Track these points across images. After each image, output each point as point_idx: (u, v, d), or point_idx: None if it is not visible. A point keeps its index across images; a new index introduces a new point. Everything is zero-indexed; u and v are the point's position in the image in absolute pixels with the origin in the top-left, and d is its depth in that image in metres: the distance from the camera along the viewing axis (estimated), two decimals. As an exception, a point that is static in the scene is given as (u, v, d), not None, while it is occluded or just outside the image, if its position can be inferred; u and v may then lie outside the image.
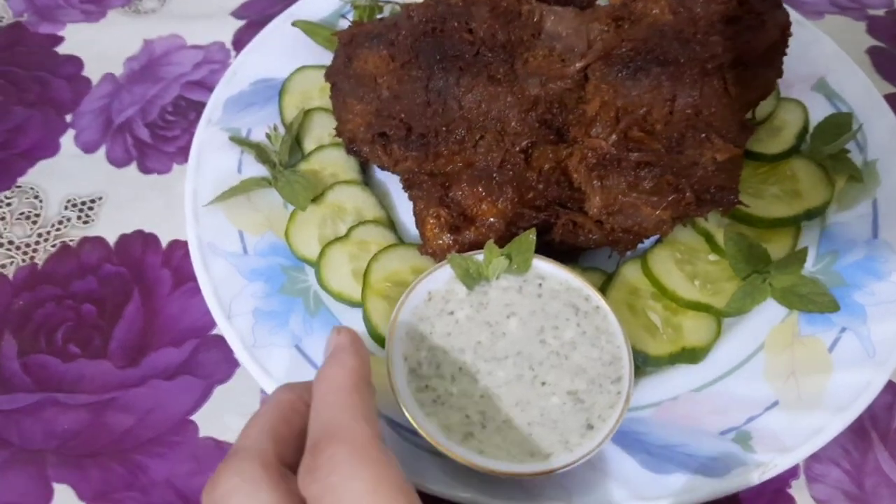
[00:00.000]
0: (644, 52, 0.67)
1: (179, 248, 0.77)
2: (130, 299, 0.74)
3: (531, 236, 0.63)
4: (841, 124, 0.76)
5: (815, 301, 0.67)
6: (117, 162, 0.84)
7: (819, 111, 0.78)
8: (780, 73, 0.73)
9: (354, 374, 0.50)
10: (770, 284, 0.68)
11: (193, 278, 0.70)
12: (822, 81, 0.81)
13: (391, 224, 0.75)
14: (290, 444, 0.48)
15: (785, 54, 0.72)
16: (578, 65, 0.69)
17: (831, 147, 0.75)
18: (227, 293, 0.68)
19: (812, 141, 0.77)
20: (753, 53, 0.69)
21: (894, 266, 0.69)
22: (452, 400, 0.58)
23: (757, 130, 0.77)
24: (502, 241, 0.68)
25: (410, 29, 0.71)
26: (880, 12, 0.93)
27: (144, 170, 0.83)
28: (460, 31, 0.70)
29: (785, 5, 0.71)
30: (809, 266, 0.70)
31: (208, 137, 0.78)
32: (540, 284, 0.63)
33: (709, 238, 0.71)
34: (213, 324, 0.71)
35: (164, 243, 0.78)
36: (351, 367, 0.51)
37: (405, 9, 0.73)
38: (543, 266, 0.63)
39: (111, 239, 0.79)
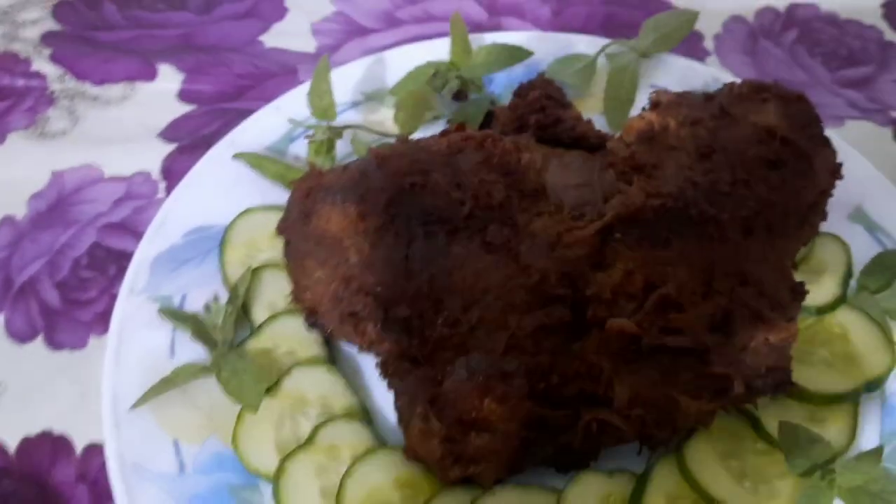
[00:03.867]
0: (674, 209, 0.55)
1: (99, 454, 0.61)
2: (35, 529, 0.58)
3: None
4: (891, 266, 0.65)
5: (892, 502, 0.55)
6: (19, 336, 0.68)
7: (861, 248, 0.67)
8: (824, 217, 0.62)
9: None
10: (834, 482, 0.55)
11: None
12: (860, 210, 0.69)
13: (366, 414, 0.61)
14: None
15: (831, 195, 0.61)
16: (594, 226, 0.56)
17: (885, 297, 0.63)
18: (160, 535, 0.53)
19: (860, 287, 0.65)
20: (802, 203, 0.57)
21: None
22: None
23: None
24: (513, 451, 0.55)
25: (383, 182, 0.58)
26: (906, 114, 0.82)
27: (53, 344, 0.67)
28: (447, 188, 0.57)
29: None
30: (874, 450, 0.58)
31: (131, 312, 0.63)
32: None
33: (755, 423, 0.59)
34: (143, 566, 0.56)
35: (78, 449, 0.62)
36: None
37: (373, 156, 0.59)
38: None
39: (11, 444, 0.62)
